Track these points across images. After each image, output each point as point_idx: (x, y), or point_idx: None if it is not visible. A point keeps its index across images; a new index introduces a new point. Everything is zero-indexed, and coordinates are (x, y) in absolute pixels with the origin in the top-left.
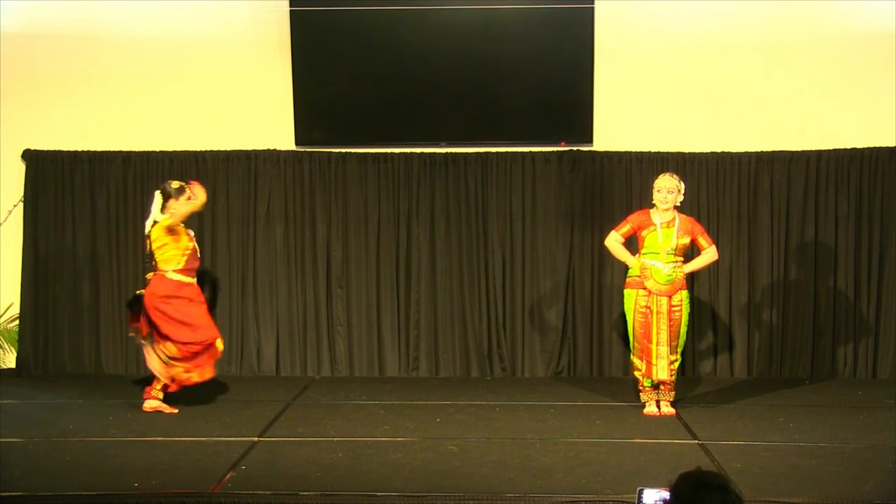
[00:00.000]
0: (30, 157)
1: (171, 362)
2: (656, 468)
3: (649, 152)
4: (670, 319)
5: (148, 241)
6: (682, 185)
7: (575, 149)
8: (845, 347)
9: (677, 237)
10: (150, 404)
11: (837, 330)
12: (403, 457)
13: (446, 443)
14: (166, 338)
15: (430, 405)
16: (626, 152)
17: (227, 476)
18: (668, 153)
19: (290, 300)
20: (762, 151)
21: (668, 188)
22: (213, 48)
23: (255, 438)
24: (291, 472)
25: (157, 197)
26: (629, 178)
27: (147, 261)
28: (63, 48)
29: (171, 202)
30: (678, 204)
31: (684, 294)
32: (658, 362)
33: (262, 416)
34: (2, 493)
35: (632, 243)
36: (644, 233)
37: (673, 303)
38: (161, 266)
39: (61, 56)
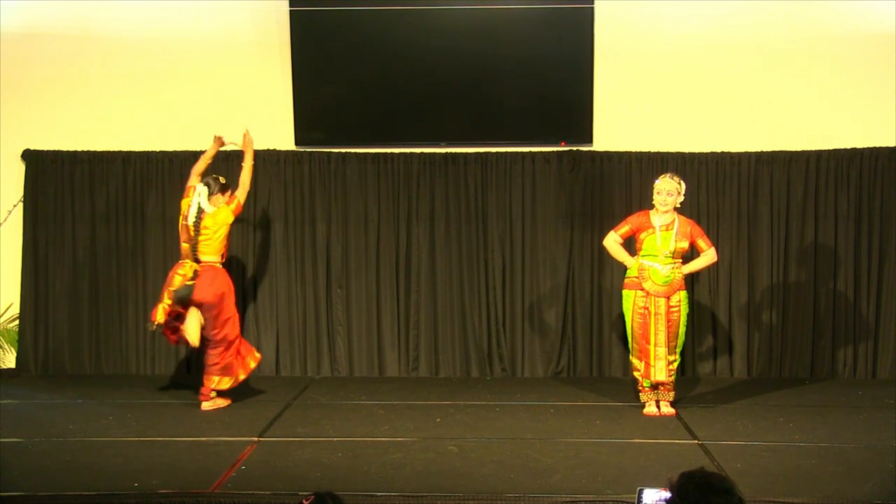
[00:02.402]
0: (30, 157)
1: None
2: (656, 468)
3: (649, 152)
4: (668, 320)
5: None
6: (683, 187)
7: (575, 149)
8: (845, 348)
9: (675, 241)
10: (207, 405)
11: (837, 330)
12: (403, 457)
13: (446, 443)
14: None
15: (430, 405)
16: (626, 152)
17: (227, 476)
18: (668, 153)
19: (290, 300)
20: (762, 151)
21: (667, 190)
22: (213, 48)
23: (255, 438)
24: (291, 472)
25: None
26: (629, 178)
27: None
28: (63, 48)
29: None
30: (678, 205)
31: (682, 294)
32: (656, 363)
33: (262, 416)
34: (2, 493)
35: (630, 244)
36: (642, 235)
37: (671, 303)
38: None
39: (61, 56)
